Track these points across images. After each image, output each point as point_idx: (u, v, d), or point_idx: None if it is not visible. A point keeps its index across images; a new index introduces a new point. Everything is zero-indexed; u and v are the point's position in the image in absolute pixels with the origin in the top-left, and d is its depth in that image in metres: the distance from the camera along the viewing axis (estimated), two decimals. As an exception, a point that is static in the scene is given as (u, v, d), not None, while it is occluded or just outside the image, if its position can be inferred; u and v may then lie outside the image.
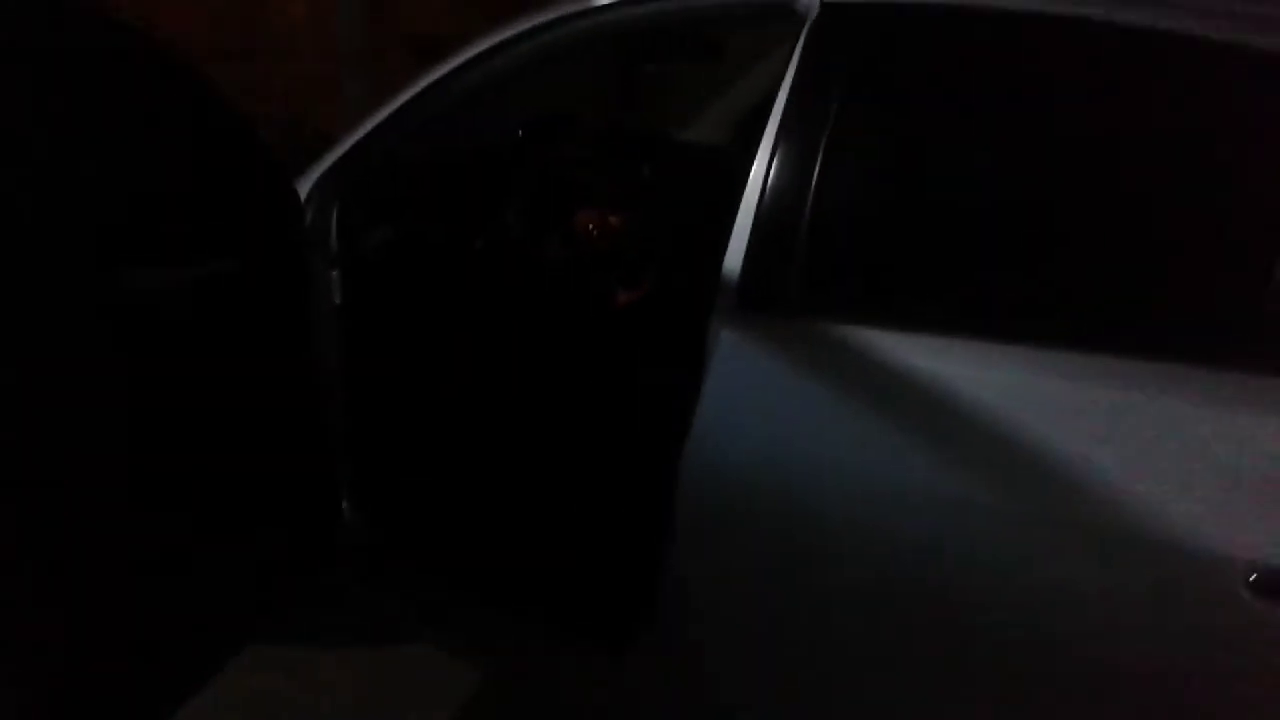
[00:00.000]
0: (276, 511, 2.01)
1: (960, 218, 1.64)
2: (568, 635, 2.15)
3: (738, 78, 3.11)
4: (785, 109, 1.66)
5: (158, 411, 1.68)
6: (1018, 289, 1.60)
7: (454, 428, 2.43)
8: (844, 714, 1.73)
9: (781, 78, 1.70)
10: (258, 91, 3.96)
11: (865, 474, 1.56)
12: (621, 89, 3.08)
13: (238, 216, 1.82)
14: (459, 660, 2.37)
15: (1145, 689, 1.45)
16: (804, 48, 1.68)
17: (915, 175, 1.69)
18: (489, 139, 2.56)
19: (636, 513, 1.96)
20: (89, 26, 1.56)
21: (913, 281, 1.66)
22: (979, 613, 1.52)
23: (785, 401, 1.61)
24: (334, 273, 2.16)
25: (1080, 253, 1.57)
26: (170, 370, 1.70)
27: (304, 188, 2.11)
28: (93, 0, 1.59)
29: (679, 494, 1.67)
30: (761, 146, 1.66)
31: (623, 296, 2.45)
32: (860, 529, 1.57)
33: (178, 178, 1.70)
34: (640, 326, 2.43)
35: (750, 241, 1.65)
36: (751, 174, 1.66)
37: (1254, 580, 1.33)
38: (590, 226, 2.37)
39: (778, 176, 1.64)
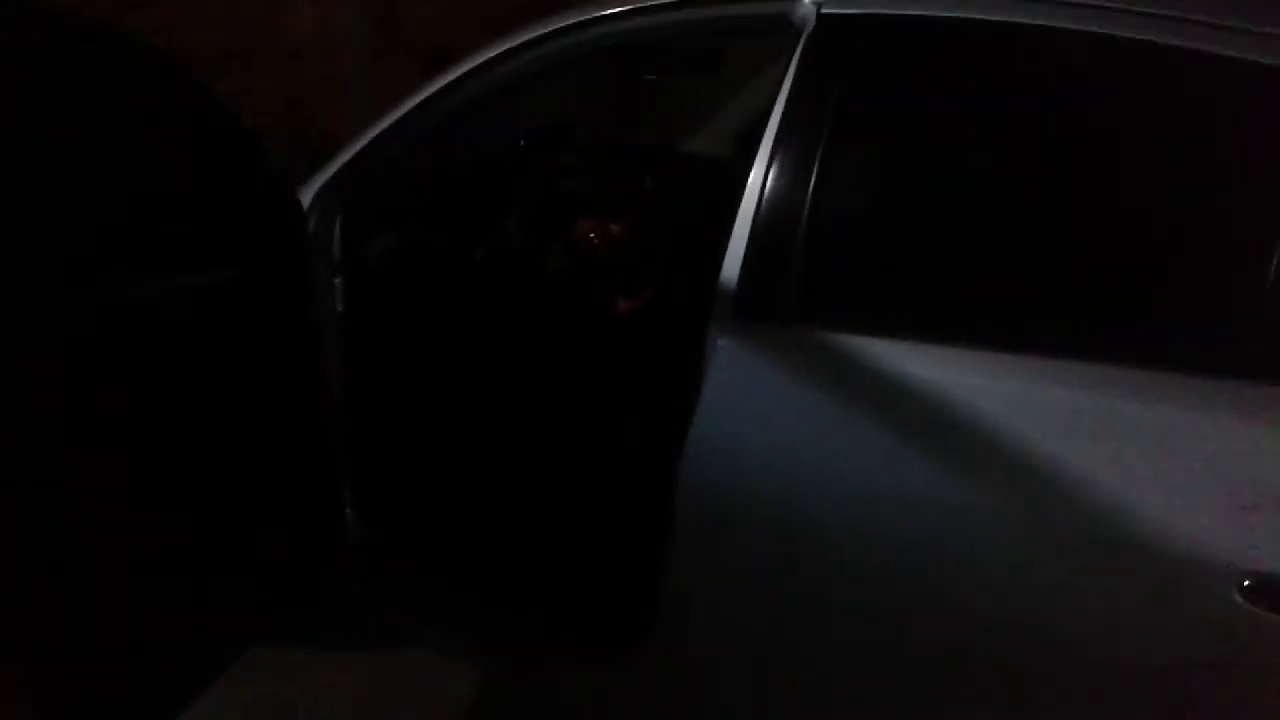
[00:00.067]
0: (279, 514, 2.02)
1: (956, 227, 1.65)
2: (568, 637, 2.16)
3: (740, 88, 3.12)
4: (782, 119, 1.68)
5: (162, 415, 1.69)
6: (1013, 298, 1.61)
7: (456, 433, 2.44)
8: (842, 716, 1.74)
9: (779, 89, 1.71)
10: (266, 99, 3.98)
11: (862, 480, 1.57)
12: (622, 100, 3.10)
13: (239, 224, 1.83)
14: (459, 662, 2.37)
15: (1140, 693, 1.46)
16: (800, 59, 1.70)
17: (911, 185, 1.70)
18: (491, 148, 2.58)
19: (636, 516, 1.97)
20: (89, 37, 1.57)
21: (909, 290, 1.67)
22: (975, 617, 1.54)
23: (782, 409, 1.62)
24: (337, 280, 2.18)
25: (1075, 262, 1.58)
26: (173, 375, 1.71)
27: (307, 195, 2.12)
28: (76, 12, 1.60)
29: (678, 498, 1.68)
30: (759, 156, 1.67)
31: (623, 305, 2.46)
32: (857, 534, 1.59)
33: (179, 185, 1.71)
34: (641, 335, 2.45)
35: (747, 250, 1.66)
36: (749, 183, 1.67)
37: (1248, 585, 1.34)
38: (591, 235, 2.38)
39: (775, 185, 1.66)
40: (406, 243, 2.35)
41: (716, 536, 1.70)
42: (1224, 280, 1.49)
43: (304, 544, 2.12)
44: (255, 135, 1.83)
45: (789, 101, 1.68)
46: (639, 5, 1.87)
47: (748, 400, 1.64)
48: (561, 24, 1.94)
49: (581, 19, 1.92)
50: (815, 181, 1.64)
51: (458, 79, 2.04)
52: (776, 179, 1.66)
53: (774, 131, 1.68)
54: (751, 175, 1.67)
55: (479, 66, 2.02)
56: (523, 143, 2.53)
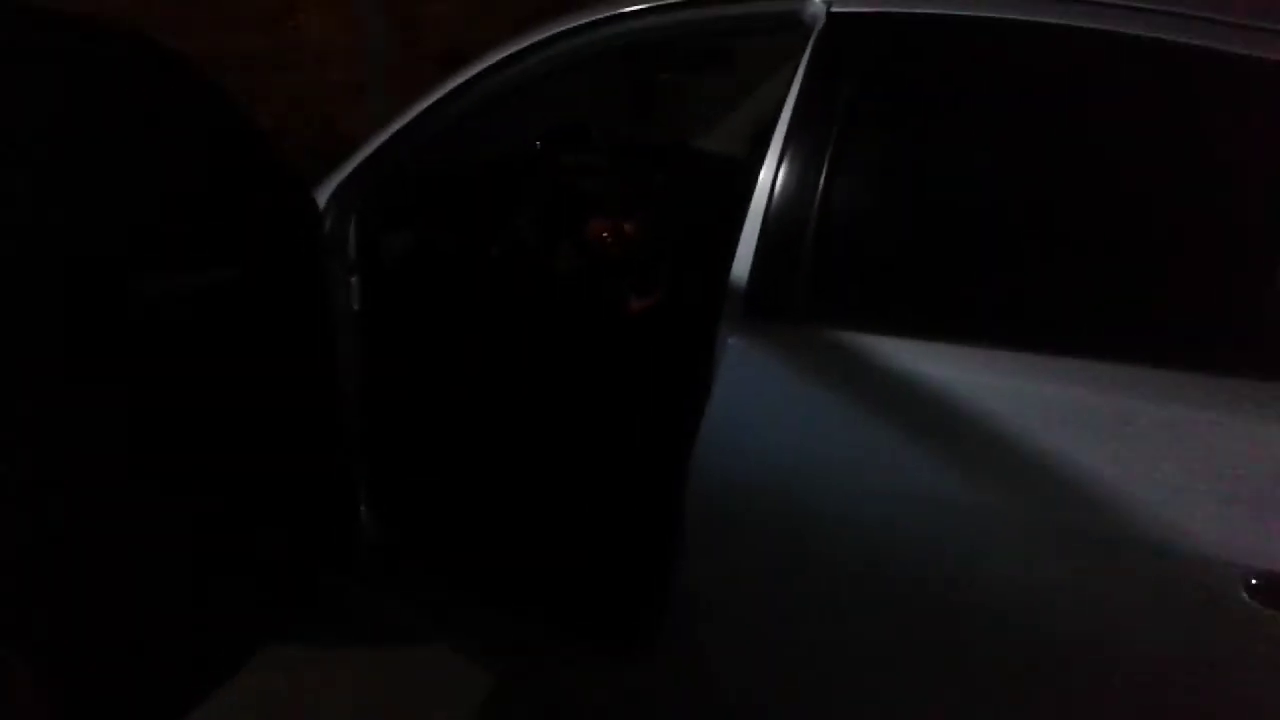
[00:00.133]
0: (294, 513, 2.04)
1: (965, 225, 1.65)
2: (578, 638, 2.17)
3: (754, 87, 3.12)
4: (792, 118, 1.68)
5: (177, 414, 1.70)
6: (1022, 296, 1.61)
7: (469, 432, 2.46)
8: (851, 715, 1.74)
9: (789, 87, 1.72)
10: (285, 100, 4.01)
11: (871, 478, 1.57)
12: (636, 98, 3.11)
13: (254, 224, 1.85)
14: (469, 662, 2.38)
15: (1145, 692, 1.46)
16: (810, 57, 1.70)
17: (921, 183, 1.70)
18: (504, 148, 2.59)
19: (647, 515, 1.97)
20: (103, 39, 1.59)
21: (918, 288, 1.67)
22: (984, 616, 1.53)
23: (792, 407, 1.62)
24: (352, 279, 2.20)
25: (1083, 260, 1.58)
26: (190, 375, 1.73)
27: (323, 195, 2.14)
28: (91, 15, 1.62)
29: (688, 498, 1.69)
30: (769, 154, 1.68)
31: (636, 304, 2.47)
32: (866, 532, 1.59)
33: (193, 185, 1.73)
34: (653, 333, 2.45)
35: (757, 249, 1.66)
36: (759, 181, 1.68)
37: (1254, 584, 1.33)
38: (604, 234, 2.39)
39: (784, 184, 1.66)
40: (421, 242, 2.37)
41: (726, 535, 1.70)
42: (1233, 278, 1.49)
43: (316, 544, 2.14)
44: (269, 135, 1.85)
45: (799, 100, 1.69)
46: (650, 5, 1.88)
47: (758, 399, 1.65)
48: (573, 24, 1.95)
49: (593, 19, 1.93)
50: (825, 180, 1.64)
51: (471, 79, 2.06)
52: (786, 177, 1.66)
53: (784, 130, 1.68)
54: (762, 174, 1.68)
55: (492, 66, 2.04)
56: (538, 144, 2.54)
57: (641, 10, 1.89)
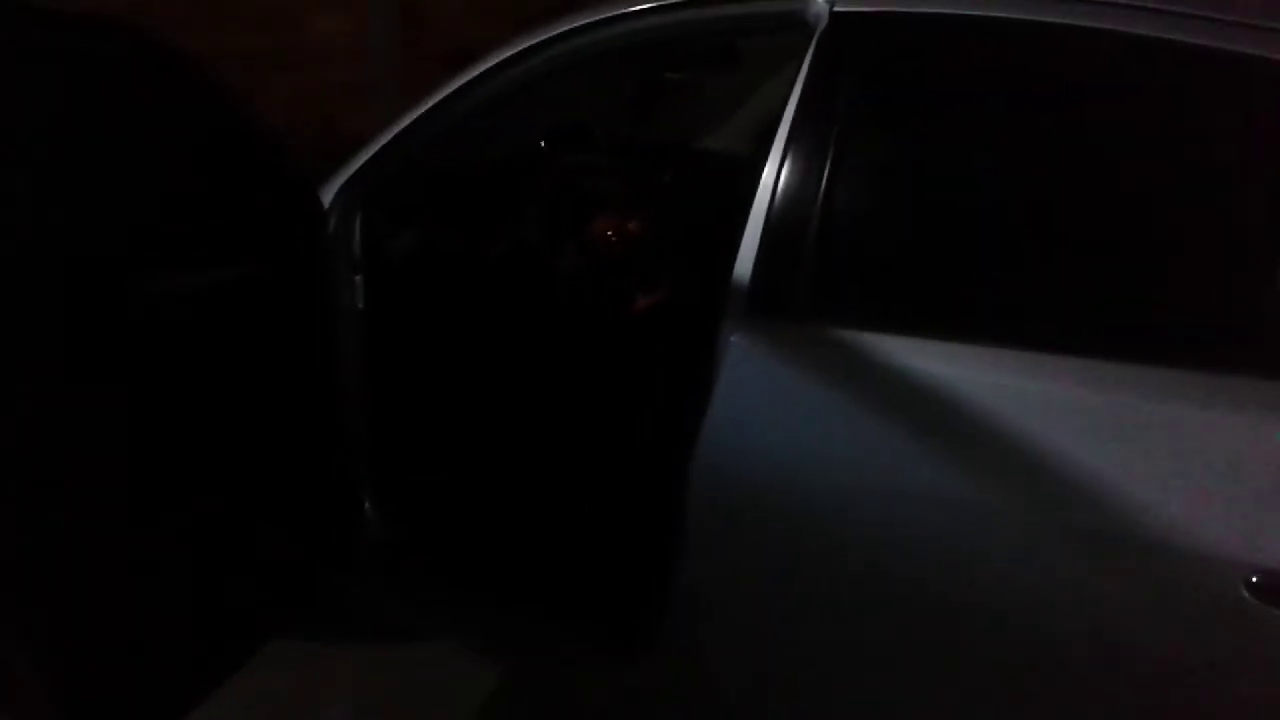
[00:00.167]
0: (295, 512, 2.04)
1: (968, 224, 1.65)
2: (579, 637, 2.17)
3: (759, 86, 3.13)
4: (795, 116, 1.68)
5: (180, 413, 1.71)
6: (1024, 294, 1.61)
7: (473, 430, 2.46)
8: (852, 715, 1.75)
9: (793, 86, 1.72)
10: (293, 99, 4.02)
11: (873, 476, 1.57)
12: (640, 98, 3.11)
13: (260, 223, 1.86)
14: (469, 661, 2.38)
15: (1145, 690, 1.46)
16: (813, 56, 1.70)
17: (923, 182, 1.71)
18: (509, 146, 2.59)
19: (650, 514, 1.98)
20: (105, 38, 1.60)
21: (921, 287, 1.67)
22: (985, 614, 1.54)
23: (794, 405, 1.63)
24: (357, 278, 2.21)
25: (1085, 259, 1.58)
26: (194, 373, 1.73)
27: (329, 194, 2.14)
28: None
29: (689, 497, 1.69)
30: (772, 153, 1.68)
31: (640, 302, 2.47)
32: (867, 530, 1.59)
33: (199, 186, 1.74)
34: (658, 332, 2.46)
35: (760, 247, 1.67)
36: (762, 180, 1.68)
37: (1255, 582, 1.33)
38: (608, 233, 2.39)
39: (787, 182, 1.66)
40: (425, 241, 2.38)
41: (727, 534, 1.71)
42: (1234, 277, 1.49)
43: (317, 543, 2.14)
44: (274, 133, 1.85)
45: (802, 99, 1.69)
46: (653, 4, 1.89)
47: (760, 397, 1.65)
48: (577, 23, 1.96)
49: (596, 18, 1.94)
50: (828, 178, 1.64)
51: (475, 78, 2.06)
52: (789, 176, 1.66)
53: (787, 129, 1.69)
54: (765, 172, 1.68)
55: (496, 66, 2.04)
56: (543, 144, 2.54)
57: (645, 10, 1.89)
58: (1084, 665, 1.48)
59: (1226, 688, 1.40)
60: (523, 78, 2.04)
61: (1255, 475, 1.37)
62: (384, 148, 2.14)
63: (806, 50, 1.71)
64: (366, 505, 2.30)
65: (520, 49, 2.01)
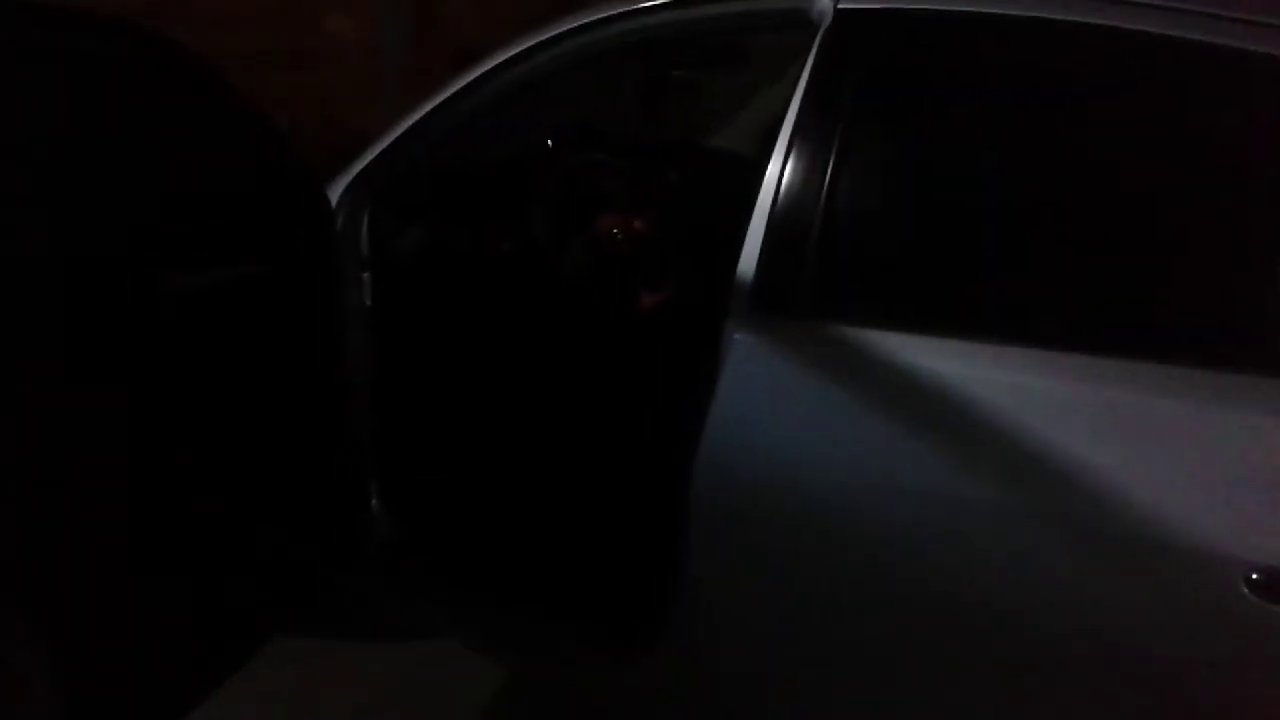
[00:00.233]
0: (298, 511, 2.05)
1: (971, 221, 1.66)
2: (582, 636, 2.17)
3: (766, 84, 3.13)
4: (799, 114, 1.69)
5: (188, 411, 1.72)
6: (1027, 292, 1.61)
7: (479, 428, 2.47)
8: (854, 713, 1.75)
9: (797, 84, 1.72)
10: (303, 99, 4.03)
11: (876, 474, 1.57)
12: (647, 95, 3.11)
13: (268, 221, 1.87)
14: (472, 660, 2.36)
15: (1145, 687, 1.46)
16: (818, 54, 1.70)
17: (926, 180, 1.71)
18: (515, 144, 2.60)
19: (654, 512, 1.98)
20: (115, 38, 1.61)
21: (924, 284, 1.67)
22: (987, 611, 1.54)
23: (797, 402, 1.63)
24: (364, 275, 2.22)
25: (1087, 256, 1.59)
26: (199, 372, 1.74)
27: (336, 192, 2.15)
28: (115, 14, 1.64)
29: (692, 494, 1.69)
30: (776, 151, 1.69)
31: (647, 300, 2.48)
32: (869, 528, 1.59)
33: (207, 184, 1.75)
34: (664, 330, 2.46)
35: (764, 244, 1.67)
36: (765, 178, 1.68)
37: (1255, 579, 1.34)
38: (615, 231, 2.39)
39: (791, 180, 1.67)
40: (433, 239, 2.39)
41: (731, 531, 1.71)
42: (1234, 274, 1.50)
43: (320, 542, 2.14)
44: (282, 132, 1.86)
45: (806, 96, 1.69)
46: (657, 2, 1.89)
47: (763, 394, 1.65)
48: (583, 21, 1.97)
49: (602, 16, 1.95)
50: (831, 177, 1.64)
51: (482, 76, 2.07)
52: (793, 174, 1.67)
53: (791, 126, 1.69)
54: (768, 170, 1.69)
55: (503, 64, 2.05)
56: (550, 143, 2.54)
57: (650, 8, 1.90)
58: (1084, 663, 1.48)
59: (1226, 685, 1.41)
60: (528, 76, 2.05)
61: (1255, 472, 1.37)
62: (391, 146, 2.15)
63: (810, 48, 1.72)
64: (373, 503, 2.31)
65: (526, 47, 2.02)
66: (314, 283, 2.02)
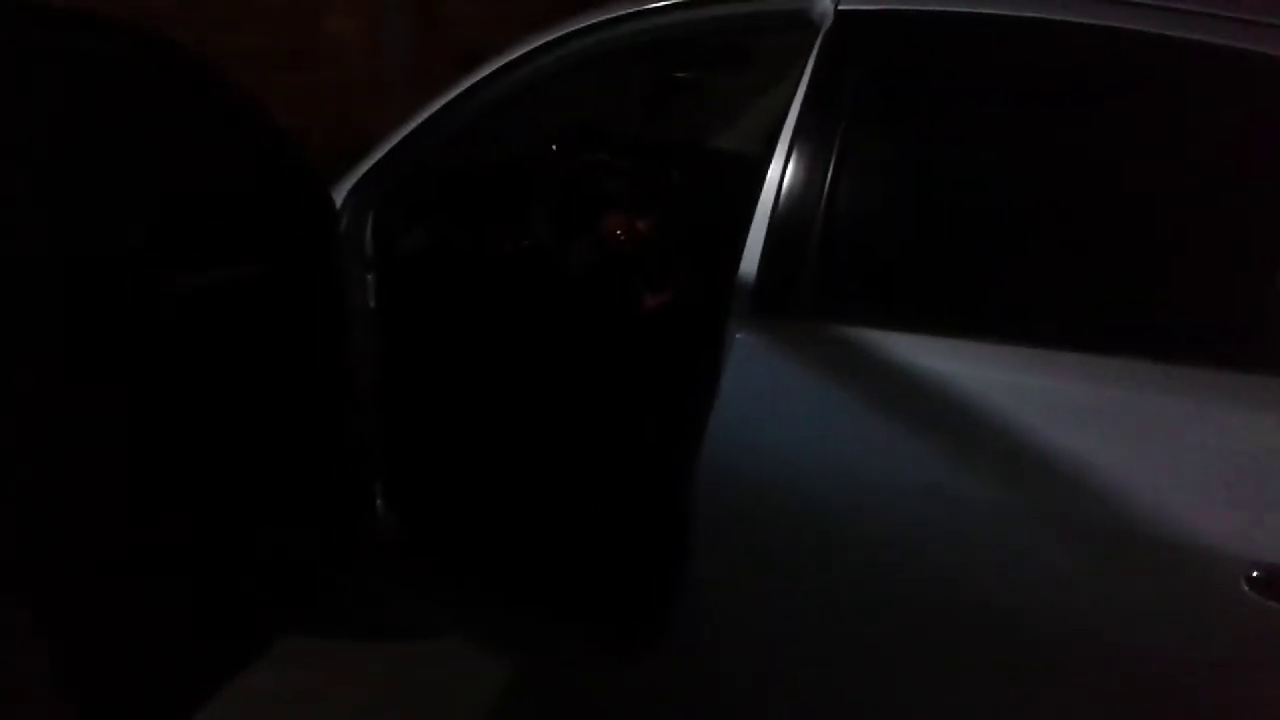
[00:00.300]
0: (301, 511, 2.05)
1: (972, 222, 1.66)
2: (586, 635, 2.18)
3: (770, 85, 3.13)
4: (800, 115, 1.69)
5: (192, 411, 1.72)
6: (1028, 292, 1.62)
7: (483, 428, 2.48)
8: (858, 711, 1.75)
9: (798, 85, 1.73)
10: (309, 99, 4.04)
11: (878, 473, 1.58)
12: (650, 97, 3.12)
13: (272, 221, 1.87)
14: (475, 659, 2.38)
15: (1146, 684, 1.47)
16: (819, 56, 1.71)
17: (927, 181, 1.71)
18: (519, 145, 2.61)
19: (657, 511, 1.99)
20: (118, 38, 1.61)
21: (925, 284, 1.68)
22: (989, 609, 1.55)
23: (799, 403, 1.64)
24: (368, 276, 2.23)
25: (1088, 256, 1.59)
26: (207, 371, 1.75)
27: (341, 193, 2.16)
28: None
29: (695, 495, 1.70)
30: (777, 152, 1.69)
31: (650, 301, 2.48)
32: (871, 527, 1.60)
33: (210, 184, 1.76)
34: (667, 331, 2.47)
35: (765, 245, 1.68)
36: (767, 179, 1.69)
37: (1255, 577, 1.34)
38: (618, 232, 2.40)
39: (792, 181, 1.67)
40: (436, 239, 2.39)
41: (733, 531, 1.72)
42: (1235, 274, 1.50)
43: (323, 542, 2.15)
44: (287, 133, 1.87)
45: (807, 97, 1.70)
46: (660, 4, 1.90)
47: (765, 395, 1.66)
48: (586, 23, 1.97)
49: (604, 18, 1.95)
50: (832, 177, 1.65)
51: (486, 78, 2.08)
52: (794, 175, 1.67)
53: (792, 127, 1.70)
54: (770, 171, 1.69)
55: (506, 65, 2.06)
56: (554, 147, 2.55)
57: (652, 9, 1.91)
58: (1085, 661, 1.49)
59: (1227, 682, 1.41)
60: (533, 77, 2.05)
61: (1255, 470, 1.37)
62: (395, 147, 2.15)
63: (812, 49, 1.72)
64: (378, 503, 2.32)
65: (529, 49, 2.02)
66: (318, 283, 2.02)
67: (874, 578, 1.62)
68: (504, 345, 2.50)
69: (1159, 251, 1.56)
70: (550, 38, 2.01)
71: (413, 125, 2.14)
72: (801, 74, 1.72)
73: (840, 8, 1.72)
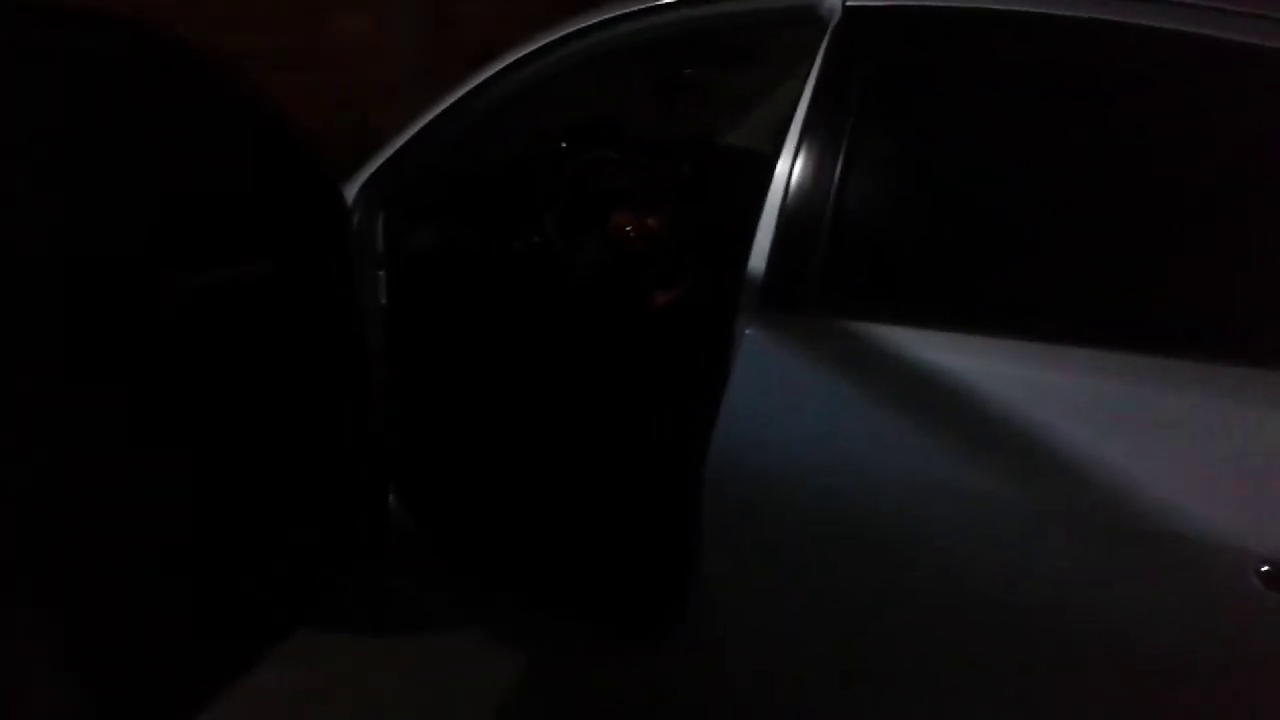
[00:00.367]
0: (323, 505, 2.06)
1: (980, 217, 1.66)
2: (596, 630, 2.18)
3: (780, 81, 3.13)
4: (808, 111, 1.70)
5: (203, 410, 1.73)
6: (1037, 286, 1.62)
7: (494, 425, 2.49)
8: (867, 705, 1.76)
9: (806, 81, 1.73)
10: (321, 98, 4.05)
11: (887, 469, 1.58)
12: (659, 94, 3.12)
13: (284, 219, 1.88)
14: (489, 653, 2.39)
15: (1156, 677, 1.47)
16: (827, 51, 1.71)
17: (935, 176, 1.71)
18: (529, 143, 2.61)
19: (669, 510, 1.99)
20: (130, 37, 1.62)
21: (933, 279, 1.68)
22: (999, 603, 1.54)
23: (808, 398, 1.64)
24: (380, 274, 2.24)
25: (1097, 251, 1.59)
26: (220, 369, 1.76)
27: (352, 191, 2.17)
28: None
29: (705, 491, 1.70)
30: (785, 147, 1.69)
31: (660, 298, 2.49)
32: (881, 523, 1.60)
33: (222, 183, 1.76)
34: (677, 327, 2.47)
35: (774, 241, 1.68)
36: (775, 174, 1.69)
37: (1265, 571, 1.34)
38: (628, 229, 2.40)
39: (801, 177, 1.67)
40: (447, 237, 2.40)
41: (743, 526, 1.72)
42: (1244, 268, 1.50)
43: (334, 542, 2.15)
44: (299, 131, 1.87)
45: (815, 93, 1.70)
46: (668, 1, 1.90)
47: (774, 390, 1.66)
48: (594, 20, 1.98)
49: (614, 14, 1.96)
50: (840, 173, 1.65)
51: (495, 75, 2.09)
52: (803, 171, 1.68)
53: (801, 123, 1.70)
54: (778, 167, 1.69)
55: (515, 63, 2.07)
56: (564, 144, 2.56)
57: (659, 6, 1.91)
58: (1095, 655, 1.49)
59: (1236, 676, 1.41)
60: (542, 75, 2.06)
61: (1265, 465, 1.37)
62: (405, 146, 2.16)
63: (819, 45, 1.72)
64: (390, 500, 2.33)
65: (536, 47, 2.03)
66: (329, 281, 2.03)
67: (882, 573, 1.62)
68: (515, 341, 2.51)
69: (1169, 246, 1.55)
70: (559, 35, 2.01)
71: (423, 123, 2.15)
72: (810, 70, 1.73)
73: (848, 3, 1.72)
